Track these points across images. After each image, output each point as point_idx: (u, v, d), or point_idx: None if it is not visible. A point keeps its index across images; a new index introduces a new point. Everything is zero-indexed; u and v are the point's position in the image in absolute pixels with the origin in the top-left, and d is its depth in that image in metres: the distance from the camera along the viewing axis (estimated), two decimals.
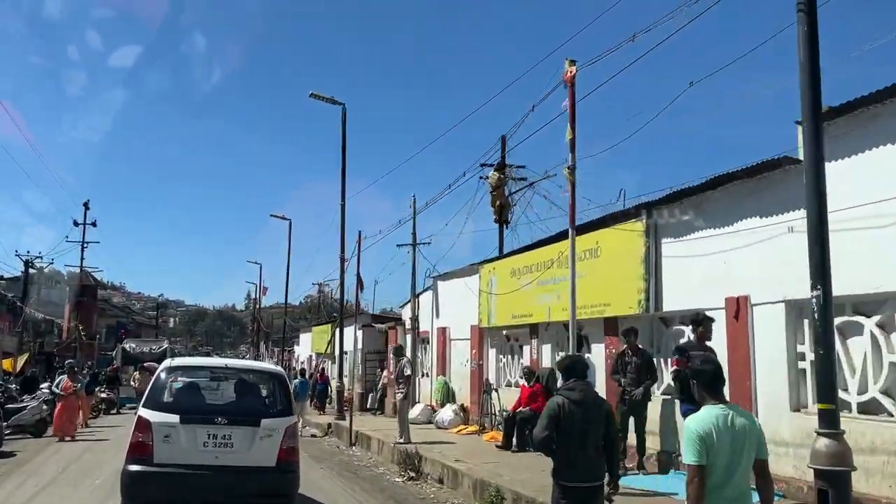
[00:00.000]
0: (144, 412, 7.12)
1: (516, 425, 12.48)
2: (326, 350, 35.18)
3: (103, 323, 57.20)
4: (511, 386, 15.95)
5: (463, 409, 17.02)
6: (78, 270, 41.04)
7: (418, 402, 19.42)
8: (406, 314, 22.86)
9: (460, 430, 15.82)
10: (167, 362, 8.20)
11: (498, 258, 17.16)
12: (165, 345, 33.47)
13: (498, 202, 21.79)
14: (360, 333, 27.91)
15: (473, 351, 17.32)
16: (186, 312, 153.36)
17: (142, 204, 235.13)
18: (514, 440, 12.49)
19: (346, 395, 23.95)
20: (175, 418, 7.04)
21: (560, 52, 23.66)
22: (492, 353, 16.88)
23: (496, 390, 15.77)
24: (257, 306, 63.88)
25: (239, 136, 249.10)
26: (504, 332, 16.13)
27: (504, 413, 13.81)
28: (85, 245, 39.29)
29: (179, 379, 8.03)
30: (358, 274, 21.31)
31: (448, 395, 18.39)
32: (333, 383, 25.38)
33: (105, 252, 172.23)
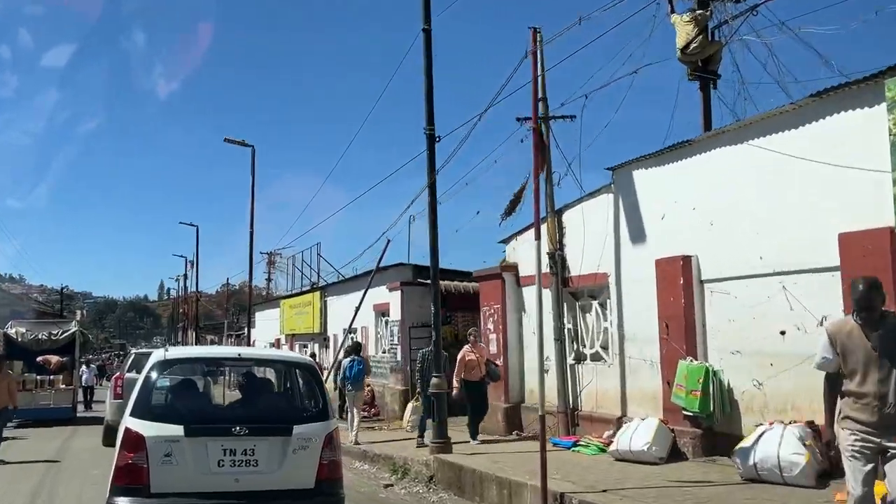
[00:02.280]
0: (133, 423, 5.35)
1: None
2: (316, 328, 24.85)
3: None
4: None
5: (814, 431, 7.30)
6: None
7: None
8: (523, 251, 13.01)
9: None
10: (159, 354, 6.04)
11: None
12: (74, 328, 22.27)
13: (693, 48, 12.09)
14: (395, 297, 17.78)
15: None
16: (95, 304, 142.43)
17: (50, 195, 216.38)
18: None
19: (364, 394, 15.51)
20: (177, 430, 5.31)
21: None
22: None
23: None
24: (182, 295, 55.52)
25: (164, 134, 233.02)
26: None
27: None
28: None
29: (177, 376, 6.67)
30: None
31: (721, 397, 8.68)
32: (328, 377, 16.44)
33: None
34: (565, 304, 11.81)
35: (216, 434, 5.45)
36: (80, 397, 25.18)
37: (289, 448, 5.53)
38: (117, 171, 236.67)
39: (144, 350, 22.29)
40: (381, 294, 19.13)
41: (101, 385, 33.54)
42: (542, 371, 8.59)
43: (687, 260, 9.26)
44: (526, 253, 12.99)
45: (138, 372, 13.96)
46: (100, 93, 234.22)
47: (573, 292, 11.85)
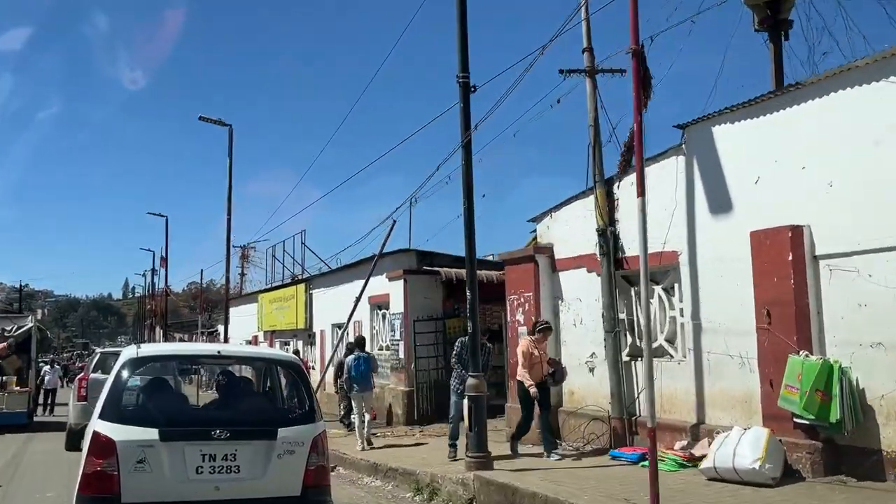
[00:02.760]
0: (103, 426, 4.95)
1: None
2: (299, 324, 22.81)
3: None
4: None
5: None
6: None
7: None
8: (560, 230, 11.15)
9: None
10: (131, 351, 5.74)
11: None
12: (30, 323, 19.89)
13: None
14: (397, 287, 15.89)
15: None
16: (56, 303, 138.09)
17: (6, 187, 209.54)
18: None
19: (373, 395, 13.11)
20: (152, 433, 4.93)
21: None
22: None
23: None
24: (150, 291, 53.68)
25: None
26: None
27: None
28: None
29: (150, 376, 6.27)
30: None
31: (852, 402, 6.88)
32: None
33: None
34: (618, 291, 9.98)
35: (194, 438, 5.10)
36: (41, 400, 22.92)
37: (273, 453, 5.19)
38: (78, 163, 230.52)
39: (111, 349, 20.20)
40: (379, 284, 17.18)
41: (63, 386, 31.08)
42: (651, 370, 6.55)
43: (797, 231, 7.45)
44: (565, 231, 11.15)
45: (104, 372, 12.35)
46: (58, 79, 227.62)
47: (627, 276, 10.02)
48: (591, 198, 10.43)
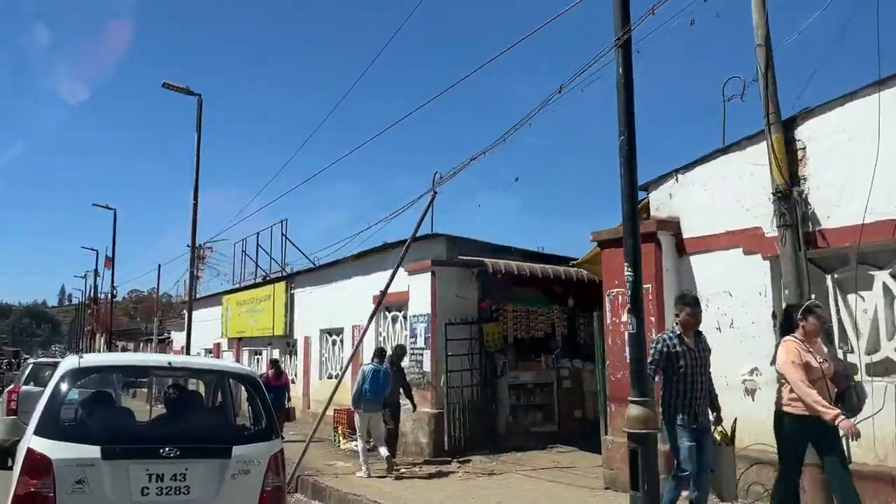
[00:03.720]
0: (38, 443, 4.57)
1: None
2: (277, 329, 19.31)
3: None
4: None
5: None
6: None
7: None
8: (689, 197, 8.09)
9: None
10: (72, 361, 5.26)
11: None
12: None
13: None
14: (421, 282, 12.67)
15: None
16: None
17: None
18: None
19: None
20: (93, 451, 4.56)
21: None
22: None
23: None
24: (92, 294, 48.41)
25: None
26: None
27: None
28: None
29: (91, 388, 6.17)
30: None
31: None
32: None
33: None
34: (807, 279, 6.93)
35: (140, 456, 4.72)
36: None
37: (227, 472, 4.84)
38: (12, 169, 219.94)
39: (45, 359, 17.15)
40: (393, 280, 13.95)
41: None
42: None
43: None
44: (702, 199, 8.10)
45: (37, 384, 11.63)
46: None
47: (817, 259, 7.00)
48: (752, 149, 7.42)
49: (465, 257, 12.49)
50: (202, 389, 7.13)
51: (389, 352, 11.45)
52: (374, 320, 14.87)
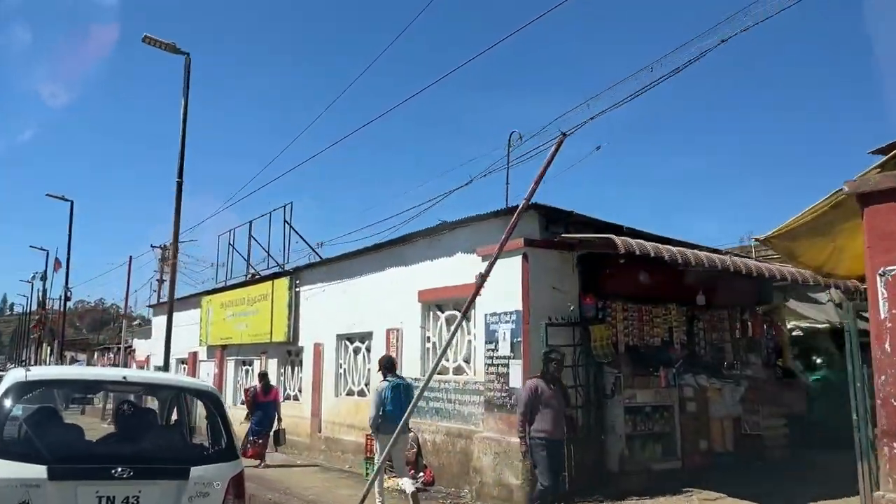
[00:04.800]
0: None
1: None
2: (277, 335, 15.87)
3: None
4: None
5: None
6: None
7: None
8: None
9: None
10: (17, 374, 5.01)
11: None
12: None
13: None
14: (508, 269, 9.39)
15: None
16: None
17: None
18: None
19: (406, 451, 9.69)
20: (38, 471, 4.30)
21: None
22: None
23: None
24: (40, 299, 43.39)
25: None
26: None
27: None
28: None
29: (37, 405, 5.24)
30: None
31: None
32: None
33: None
34: None
35: (90, 477, 4.47)
36: None
37: (184, 495, 4.60)
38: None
39: None
40: (440, 268, 10.84)
41: None
42: None
43: None
44: None
45: None
46: None
47: None
48: None
49: (568, 234, 9.27)
50: (156, 406, 6.75)
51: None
52: (419, 321, 11.77)
